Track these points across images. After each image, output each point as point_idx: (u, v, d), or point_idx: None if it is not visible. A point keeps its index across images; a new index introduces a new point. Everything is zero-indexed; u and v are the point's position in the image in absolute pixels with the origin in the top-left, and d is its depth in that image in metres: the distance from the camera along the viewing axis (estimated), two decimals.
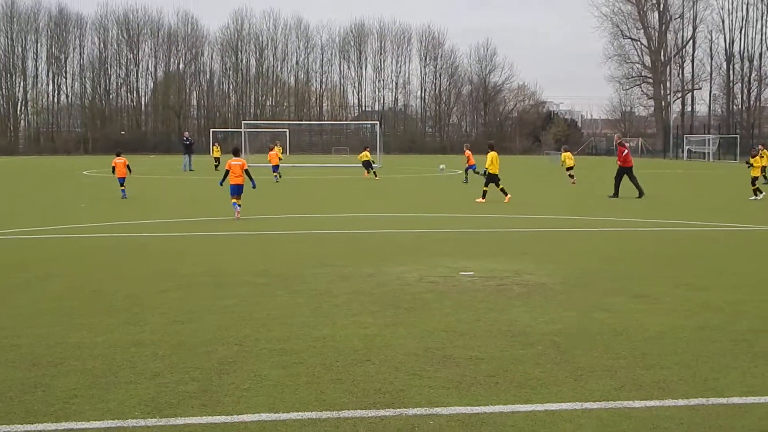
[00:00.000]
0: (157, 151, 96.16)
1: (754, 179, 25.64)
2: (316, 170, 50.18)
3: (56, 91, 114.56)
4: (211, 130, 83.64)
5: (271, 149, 38.84)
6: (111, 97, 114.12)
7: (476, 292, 9.47)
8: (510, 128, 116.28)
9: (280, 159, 38.35)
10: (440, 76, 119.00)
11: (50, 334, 7.46)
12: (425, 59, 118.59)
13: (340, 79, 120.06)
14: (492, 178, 24.21)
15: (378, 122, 79.67)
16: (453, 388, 5.88)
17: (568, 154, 36.24)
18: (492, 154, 24.33)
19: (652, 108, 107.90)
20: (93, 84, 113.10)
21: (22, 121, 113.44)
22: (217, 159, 49.30)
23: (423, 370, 6.30)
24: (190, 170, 45.91)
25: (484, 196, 24.10)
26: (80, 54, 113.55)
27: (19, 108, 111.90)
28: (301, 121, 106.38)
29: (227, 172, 19.03)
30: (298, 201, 25.18)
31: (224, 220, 18.31)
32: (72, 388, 5.87)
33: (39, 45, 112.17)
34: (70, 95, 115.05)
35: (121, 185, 25.53)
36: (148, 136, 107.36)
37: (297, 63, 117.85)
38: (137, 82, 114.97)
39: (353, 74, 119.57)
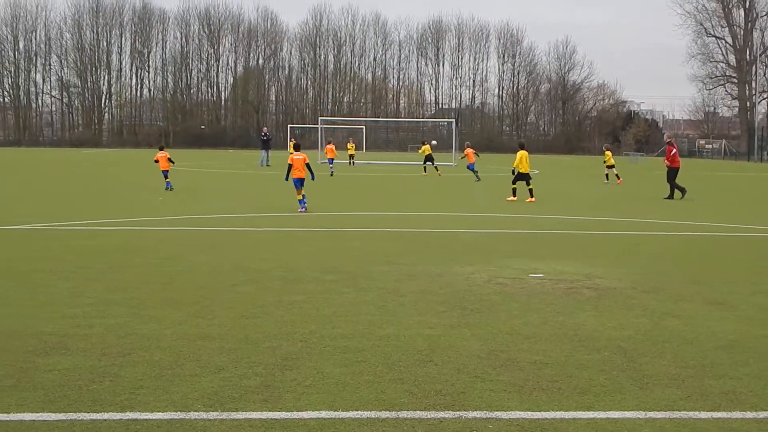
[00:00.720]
0: (236, 145, 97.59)
1: None
2: (390, 167, 50.25)
3: (139, 85, 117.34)
4: (289, 125, 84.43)
5: (329, 143, 40.58)
6: (192, 91, 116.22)
7: (545, 295, 9.36)
8: (589, 128, 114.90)
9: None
10: (518, 73, 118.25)
11: (121, 325, 7.61)
12: (503, 57, 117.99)
13: (417, 76, 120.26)
14: (521, 177, 24.21)
15: (454, 120, 79.41)
16: (514, 392, 5.82)
17: (608, 153, 36.00)
18: (521, 153, 24.44)
19: (737, 109, 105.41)
20: (174, 78, 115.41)
21: (106, 114, 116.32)
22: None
23: (485, 373, 6.25)
24: (267, 165, 46.40)
25: (514, 194, 24.08)
26: (163, 48, 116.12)
27: (103, 101, 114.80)
28: (378, 117, 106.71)
29: (290, 166, 19.69)
30: (369, 198, 25.26)
31: (296, 216, 18.48)
32: (139, 378, 5.98)
33: (123, 39, 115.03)
34: (152, 89, 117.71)
35: (165, 177, 26.73)
36: (227, 130, 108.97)
37: (374, 59, 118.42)
38: (217, 77, 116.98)
39: (430, 71, 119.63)
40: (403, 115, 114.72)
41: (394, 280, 10.22)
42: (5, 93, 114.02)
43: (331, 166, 39.96)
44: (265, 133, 50.79)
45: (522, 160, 24.26)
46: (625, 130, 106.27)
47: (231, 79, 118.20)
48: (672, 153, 26.07)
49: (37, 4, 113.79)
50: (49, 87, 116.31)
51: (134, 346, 6.88)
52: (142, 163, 49.98)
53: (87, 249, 12.66)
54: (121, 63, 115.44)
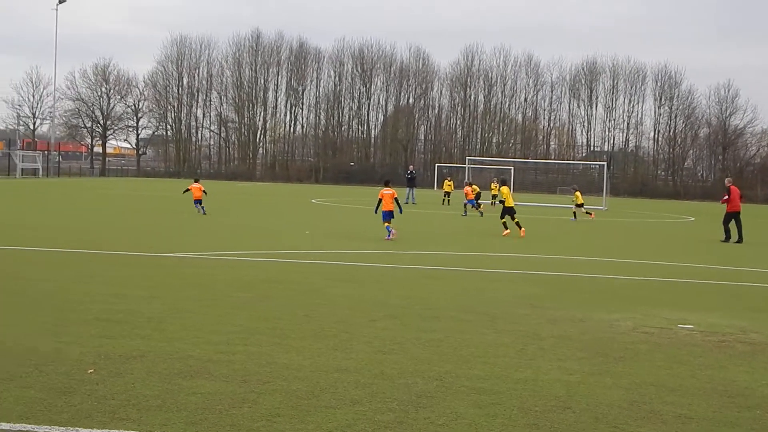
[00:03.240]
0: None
1: None
2: (537, 209, 49.64)
3: (293, 121, 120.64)
4: (437, 164, 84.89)
5: (469, 185, 40.05)
6: (343, 128, 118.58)
7: (694, 347, 8.99)
8: (751, 175, 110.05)
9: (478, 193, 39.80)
10: (675, 117, 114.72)
11: (262, 353, 7.79)
12: (660, 99, 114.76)
13: (568, 118, 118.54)
14: (507, 210, 25.68)
15: (606, 163, 77.86)
16: None
17: (577, 193, 38.37)
18: (504, 189, 26.41)
19: None
20: (327, 115, 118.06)
21: (261, 149, 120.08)
22: (447, 193, 49.30)
23: (625, 424, 6.04)
24: (413, 203, 46.68)
25: (506, 227, 25.63)
26: (317, 86, 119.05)
27: (258, 136, 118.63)
28: (527, 158, 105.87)
29: (380, 201, 21.91)
30: (511, 239, 25.01)
31: (436, 255, 18.51)
32: (276, 407, 6.09)
33: (279, 77, 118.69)
34: (305, 125, 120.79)
35: (198, 204, 30.32)
36: (375, 167, 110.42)
37: (525, 100, 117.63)
38: (368, 114, 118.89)
39: (583, 113, 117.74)
40: (552, 157, 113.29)
41: (534, 323, 10.06)
42: (168, 127, 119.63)
43: (472, 206, 38.33)
44: (411, 171, 51.15)
45: (506, 195, 26.04)
46: None
47: (381, 117, 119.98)
48: (726, 198, 26.49)
49: (201, 43, 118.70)
50: (208, 122, 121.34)
51: (274, 375, 7.01)
52: (293, 197, 51.34)
53: (234, 279, 13.05)
54: (276, 100, 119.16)
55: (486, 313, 10.63)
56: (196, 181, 32.45)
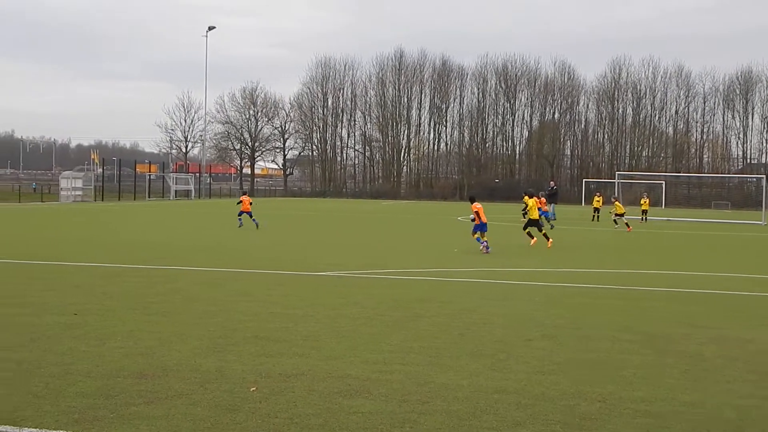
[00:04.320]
0: None
1: None
2: (690, 224, 47.95)
3: (436, 139, 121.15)
4: (584, 180, 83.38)
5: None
6: (487, 145, 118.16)
7: None
8: None
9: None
10: None
11: (419, 373, 7.79)
12: None
13: (722, 129, 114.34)
14: (532, 222, 25.74)
15: (765, 176, 74.47)
16: None
17: (617, 203, 38.14)
18: (530, 201, 26.27)
19: None
20: (470, 132, 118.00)
21: (405, 167, 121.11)
22: (596, 210, 48.24)
23: None
24: (553, 219, 45.89)
25: (532, 236, 25.49)
26: (460, 103, 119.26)
27: (402, 154, 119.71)
28: (679, 172, 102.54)
29: (477, 213, 22.80)
30: (664, 256, 24.21)
31: (584, 273, 18.11)
32: (437, 428, 6.06)
33: (423, 95, 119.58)
34: (448, 143, 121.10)
35: (250, 216, 32.23)
36: (521, 184, 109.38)
37: (676, 112, 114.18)
38: (512, 130, 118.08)
39: (738, 124, 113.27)
40: (706, 171, 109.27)
41: (696, 343, 9.67)
42: (314, 147, 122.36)
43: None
44: (552, 187, 50.32)
45: (531, 207, 25.93)
46: None
47: (526, 133, 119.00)
48: None
49: (345, 64, 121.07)
50: (353, 141, 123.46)
51: (432, 395, 6.99)
52: (438, 215, 51.46)
53: (386, 297, 13.14)
54: (420, 118, 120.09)
55: (644, 332, 10.30)
56: (245, 194, 34.89)
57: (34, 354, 8.30)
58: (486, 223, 22.93)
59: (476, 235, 22.90)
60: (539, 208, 37.22)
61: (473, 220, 23.01)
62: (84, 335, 9.32)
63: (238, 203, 34.42)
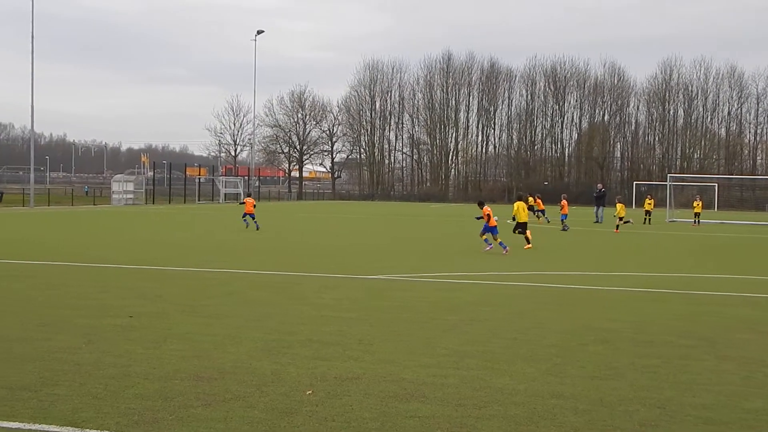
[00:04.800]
0: (579, 202, 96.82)
1: None
2: (743, 227, 47.13)
3: (484, 142, 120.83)
4: (635, 182, 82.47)
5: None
6: (536, 147, 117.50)
7: None
8: None
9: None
10: None
11: (474, 377, 7.73)
12: None
13: None
14: (519, 226, 25.63)
15: None
16: None
17: (621, 205, 37.76)
18: (518, 204, 26.12)
19: None
20: (519, 135, 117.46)
21: (453, 170, 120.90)
22: (648, 212, 47.67)
23: None
24: (601, 222, 45.45)
25: (528, 242, 25.24)
26: (508, 106, 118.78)
27: (450, 157, 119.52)
28: (732, 175, 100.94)
29: (489, 216, 23.49)
30: (721, 259, 23.82)
31: (644, 276, 17.88)
32: None
33: (471, 98, 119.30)
34: (497, 146, 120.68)
35: (244, 218, 33.76)
36: (570, 187, 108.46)
37: (729, 113, 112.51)
38: (561, 133, 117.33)
39: None
40: (759, 172, 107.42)
41: (759, 349, 9.48)
42: (362, 150, 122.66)
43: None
44: (600, 189, 49.71)
45: (519, 210, 25.68)
46: None
47: (575, 135, 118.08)
48: None
49: (392, 67, 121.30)
50: (400, 144, 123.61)
51: (489, 399, 6.94)
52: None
53: (441, 301, 13.11)
54: (468, 120, 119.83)
55: (704, 337, 10.13)
56: (249, 196, 36.31)
57: (93, 356, 8.41)
58: (496, 227, 23.58)
59: (485, 236, 23.66)
60: (533, 207, 38.90)
61: (480, 218, 23.95)
62: (140, 338, 9.42)
63: (240, 203, 36.33)
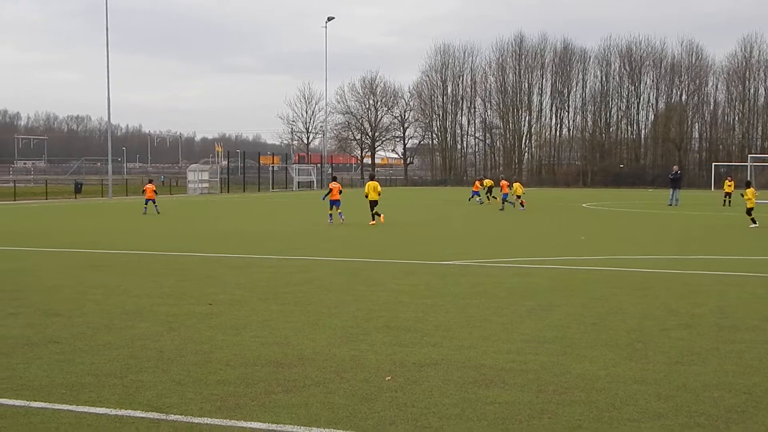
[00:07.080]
0: (655, 184, 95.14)
1: None
2: None
3: (558, 125, 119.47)
4: (713, 163, 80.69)
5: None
6: (611, 129, 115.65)
7: None
8: None
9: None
10: None
11: (554, 363, 7.67)
12: None
13: None
14: (371, 204, 28.51)
15: None
16: None
17: (518, 184, 41.35)
18: (370, 183, 28.75)
19: None
20: (594, 117, 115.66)
21: (526, 154, 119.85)
22: (727, 194, 46.33)
23: None
24: (675, 205, 44.48)
25: (373, 218, 28.44)
26: (582, 88, 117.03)
27: (523, 141, 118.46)
28: None
29: (330, 191, 28.08)
30: None
31: (728, 260, 17.49)
32: (577, 418, 5.95)
33: (544, 80, 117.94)
34: (571, 128, 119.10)
35: (154, 203, 34.90)
36: (646, 169, 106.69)
37: None
38: (637, 114, 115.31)
39: None
40: None
41: None
42: (434, 135, 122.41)
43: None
44: (676, 172, 48.45)
45: (370, 188, 28.42)
46: None
47: (651, 117, 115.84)
48: None
49: (464, 51, 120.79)
50: (473, 129, 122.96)
51: (570, 385, 6.88)
52: (563, 201, 50.68)
53: (518, 286, 13.02)
54: (541, 104, 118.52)
55: None
56: (150, 181, 37.10)
57: (175, 342, 8.58)
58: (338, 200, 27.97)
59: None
60: (491, 188, 45.28)
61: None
62: (220, 324, 9.58)
63: (142, 191, 37.05)
